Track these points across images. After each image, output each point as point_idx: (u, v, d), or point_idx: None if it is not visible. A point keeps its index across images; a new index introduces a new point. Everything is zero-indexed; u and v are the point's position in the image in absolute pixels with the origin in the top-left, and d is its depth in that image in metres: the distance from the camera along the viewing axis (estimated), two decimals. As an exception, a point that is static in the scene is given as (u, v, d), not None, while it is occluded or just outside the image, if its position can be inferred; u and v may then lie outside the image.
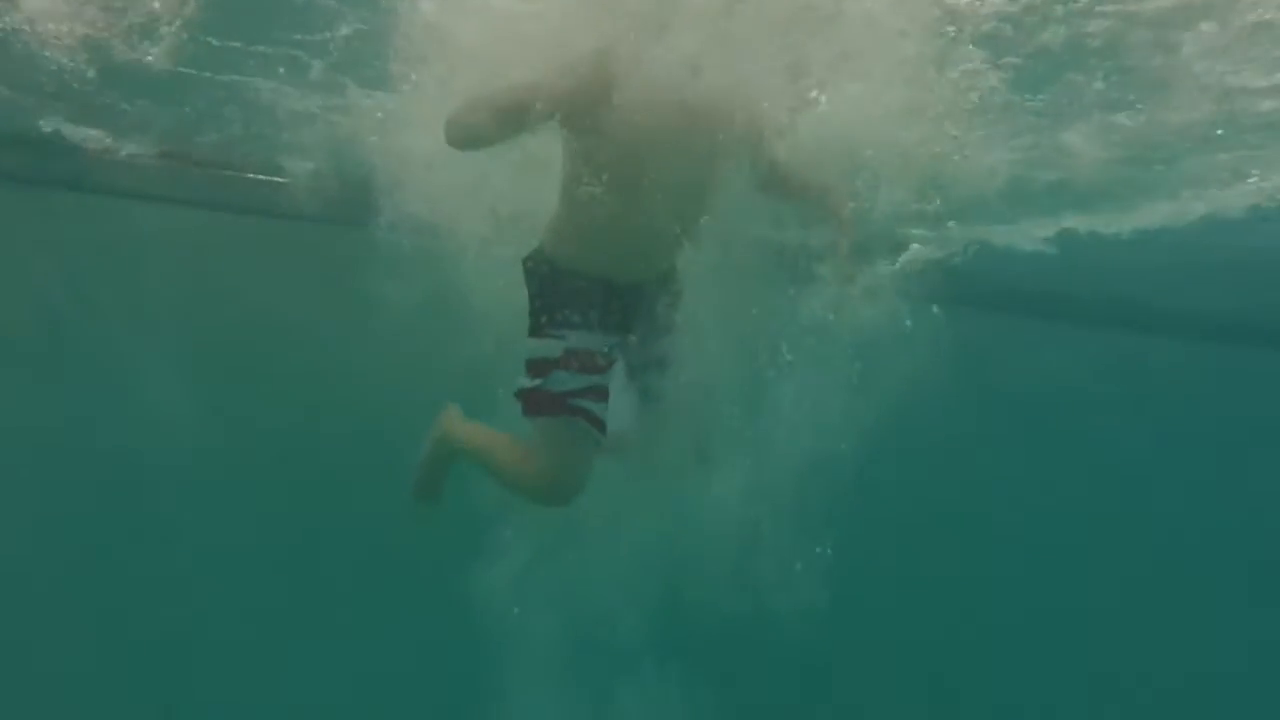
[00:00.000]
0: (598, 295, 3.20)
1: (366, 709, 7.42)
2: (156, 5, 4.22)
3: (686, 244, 3.32)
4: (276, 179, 6.42)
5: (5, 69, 5.01)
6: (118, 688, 6.73)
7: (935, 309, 3.84)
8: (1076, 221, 6.01)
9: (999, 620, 8.08)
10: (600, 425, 3.14)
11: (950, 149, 4.19)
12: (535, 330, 3.23)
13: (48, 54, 4.67)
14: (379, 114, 4.74)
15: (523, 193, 3.91)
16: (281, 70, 4.91)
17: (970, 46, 3.66)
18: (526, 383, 3.20)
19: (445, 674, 6.85)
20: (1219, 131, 4.38)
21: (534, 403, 3.18)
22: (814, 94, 3.51)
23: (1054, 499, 8.70)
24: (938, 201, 4.34)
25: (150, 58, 4.66)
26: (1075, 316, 8.16)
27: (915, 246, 5.01)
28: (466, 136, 3.06)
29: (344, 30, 4.35)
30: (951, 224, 5.56)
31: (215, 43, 4.66)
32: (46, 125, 6.07)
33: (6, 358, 7.72)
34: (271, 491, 7.55)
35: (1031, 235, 6.28)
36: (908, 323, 3.68)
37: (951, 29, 3.55)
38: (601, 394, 3.15)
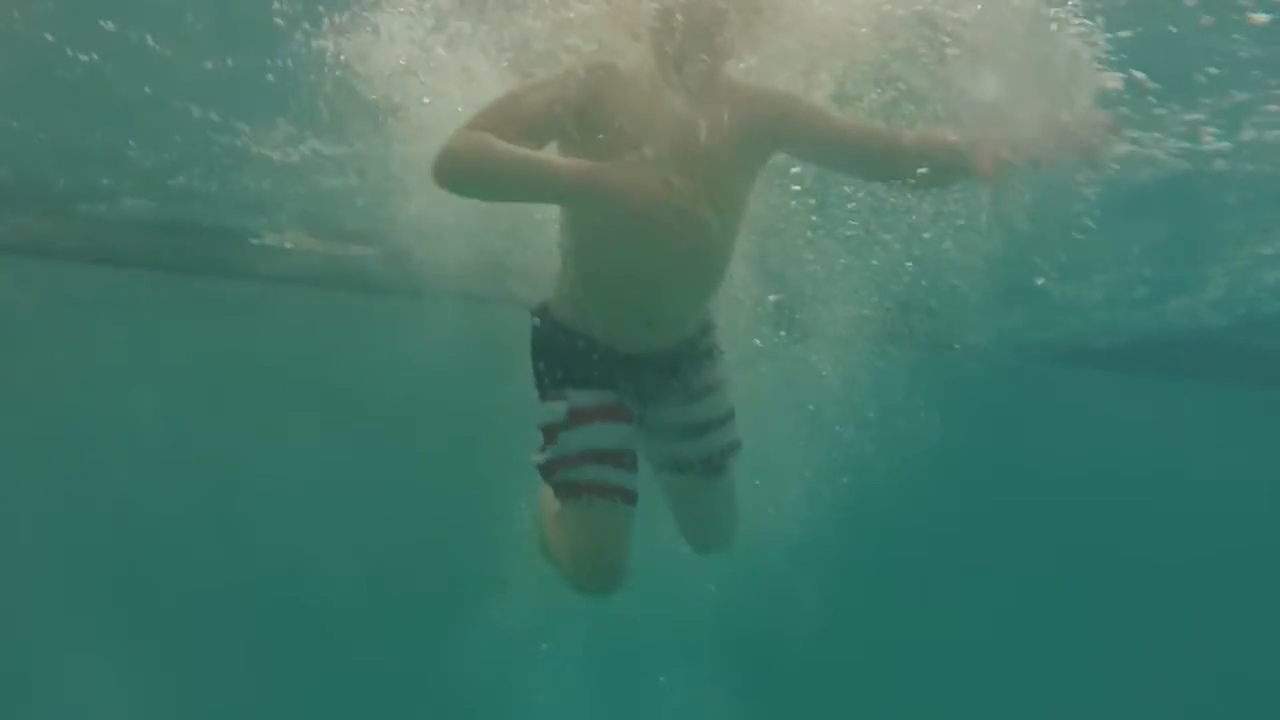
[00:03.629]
0: (603, 360, 2.80)
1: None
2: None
3: (708, 302, 2.94)
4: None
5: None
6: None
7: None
8: None
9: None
10: (628, 497, 2.77)
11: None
12: (540, 392, 2.88)
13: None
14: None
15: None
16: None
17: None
18: (539, 456, 2.84)
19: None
20: None
21: (554, 481, 2.82)
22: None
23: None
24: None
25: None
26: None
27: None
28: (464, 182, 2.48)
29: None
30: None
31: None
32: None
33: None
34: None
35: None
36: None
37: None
38: (622, 460, 2.77)
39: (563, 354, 2.82)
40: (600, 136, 2.48)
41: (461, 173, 2.42)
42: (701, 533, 3.27)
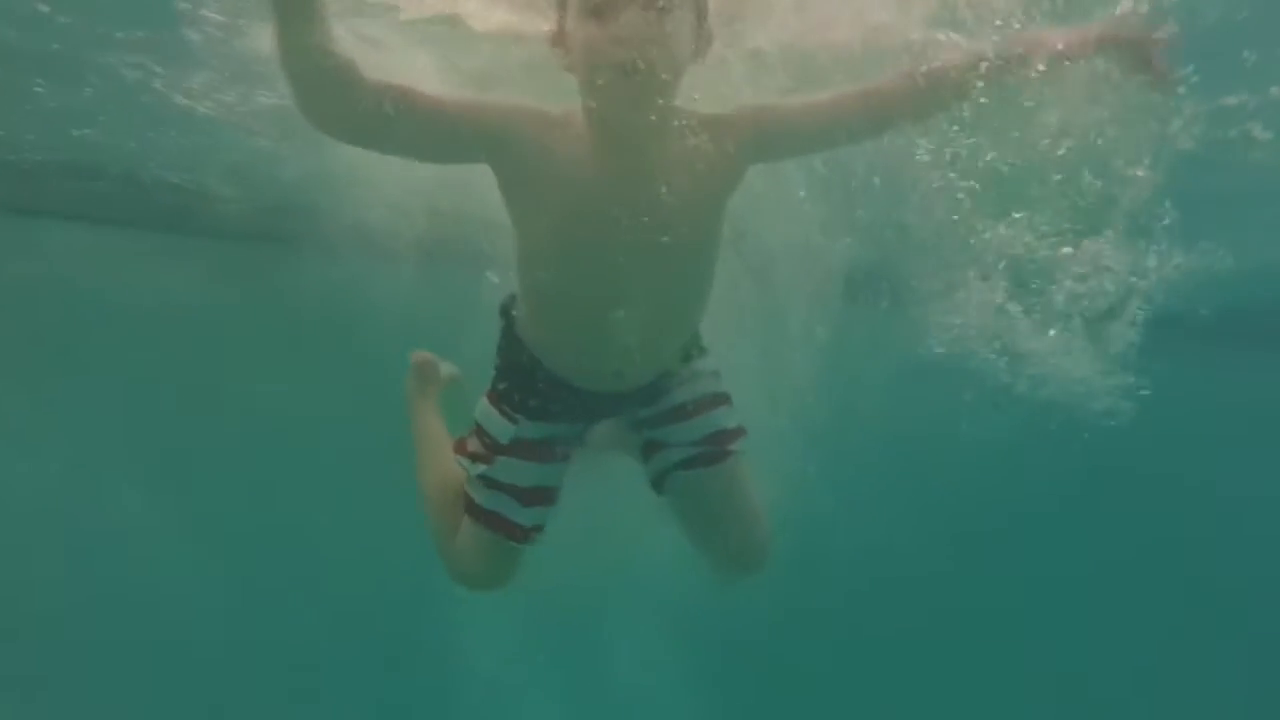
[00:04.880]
0: (568, 399, 2.64)
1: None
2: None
3: (687, 338, 2.68)
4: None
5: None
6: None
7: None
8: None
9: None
10: (534, 535, 2.74)
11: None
12: (491, 392, 2.74)
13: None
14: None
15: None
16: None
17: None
18: (469, 465, 2.74)
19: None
20: None
21: (471, 495, 2.77)
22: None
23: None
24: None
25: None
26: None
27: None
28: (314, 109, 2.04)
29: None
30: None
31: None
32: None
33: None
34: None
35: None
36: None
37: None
38: (545, 496, 2.74)
39: (525, 377, 2.66)
40: (536, 188, 2.27)
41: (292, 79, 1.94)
42: (720, 547, 2.82)
